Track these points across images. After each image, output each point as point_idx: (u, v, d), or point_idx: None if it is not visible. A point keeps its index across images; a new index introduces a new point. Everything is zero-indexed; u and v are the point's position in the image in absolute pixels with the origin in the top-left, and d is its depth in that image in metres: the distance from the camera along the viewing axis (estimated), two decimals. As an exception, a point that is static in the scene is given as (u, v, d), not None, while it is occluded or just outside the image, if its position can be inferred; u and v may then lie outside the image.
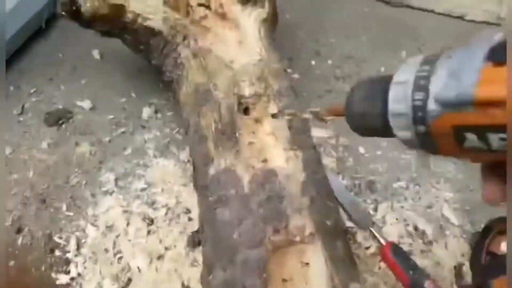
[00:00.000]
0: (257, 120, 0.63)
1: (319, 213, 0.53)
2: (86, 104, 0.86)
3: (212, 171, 0.56)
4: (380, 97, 0.30)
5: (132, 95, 0.89)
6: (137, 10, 0.65)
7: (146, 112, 0.85)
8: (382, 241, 0.69)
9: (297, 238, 0.51)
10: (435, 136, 0.26)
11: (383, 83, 0.30)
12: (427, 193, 0.78)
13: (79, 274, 0.64)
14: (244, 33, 0.66)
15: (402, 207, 0.76)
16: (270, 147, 0.61)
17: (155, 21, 0.66)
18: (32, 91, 0.89)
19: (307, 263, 0.53)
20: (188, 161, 0.78)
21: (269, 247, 0.49)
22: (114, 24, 0.67)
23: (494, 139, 0.23)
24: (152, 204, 0.72)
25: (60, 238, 0.68)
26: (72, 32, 1.01)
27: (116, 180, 0.75)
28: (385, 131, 0.30)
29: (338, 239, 0.54)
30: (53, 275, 0.63)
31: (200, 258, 0.65)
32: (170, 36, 0.66)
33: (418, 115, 0.26)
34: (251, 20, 0.67)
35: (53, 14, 1.04)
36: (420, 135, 0.27)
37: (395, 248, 0.67)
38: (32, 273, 0.64)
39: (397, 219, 0.74)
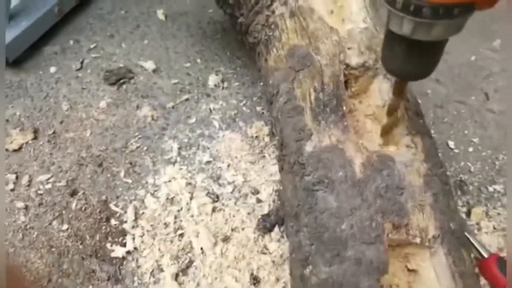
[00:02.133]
0: (356, 96, 0.54)
1: (443, 213, 0.44)
2: (149, 65, 0.79)
3: (309, 147, 0.48)
4: None
5: (198, 60, 0.81)
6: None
7: (212, 80, 0.78)
8: (484, 252, 0.58)
9: (417, 240, 0.42)
10: None
11: None
12: (530, 202, 0.67)
13: (135, 248, 0.57)
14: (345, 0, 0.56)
15: (499, 214, 0.66)
16: (372, 131, 0.52)
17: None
18: (92, 46, 0.83)
19: (414, 270, 0.45)
20: (257, 137, 0.70)
21: (386, 246, 0.41)
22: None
23: None
24: (217, 179, 0.65)
25: (117, 206, 0.61)
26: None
27: (180, 149, 0.68)
28: None
29: (463, 247, 0.45)
30: (108, 245, 0.57)
31: (271, 246, 0.57)
32: (266, -11, 0.57)
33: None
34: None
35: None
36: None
37: (501, 261, 0.57)
38: (86, 240, 0.58)
39: (494, 228, 0.64)
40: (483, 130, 0.77)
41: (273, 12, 0.57)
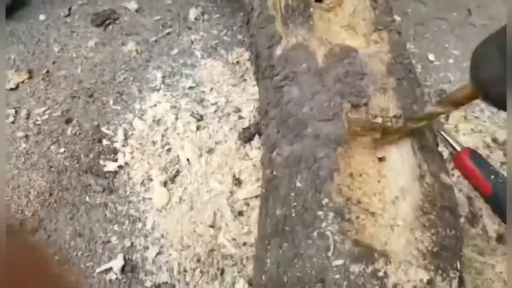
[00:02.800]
0: (331, 9, 0.56)
1: (406, 97, 0.46)
2: (132, 5, 0.82)
3: (278, 51, 0.50)
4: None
5: (179, -3, 0.84)
6: None
7: (193, 13, 0.80)
8: (457, 146, 0.60)
9: (378, 119, 0.45)
10: None
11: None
12: (508, 105, 0.68)
13: (126, 163, 0.62)
14: None
15: (477, 117, 0.67)
16: (346, 37, 0.54)
17: None
18: (78, -6, 0.85)
19: (383, 158, 0.48)
20: (237, 62, 0.73)
21: (345, 124, 0.43)
22: None
23: None
24: (201, 101, 0.68)
25: (108, 129, 0.66)
26: None
27: (163, 78, 0.71)
28: None
29: (426, 127, 0.47)
30: (101, 162, 0.62)
31: (251, 154, 0.61)
32: None
33: None
34: None
35: None
36: None
37: (473, 154, 0.59)
38: (81, 159, 0.63)
39: (472, 129, 0.66)
40: (464, 43, 0.77)
41: None
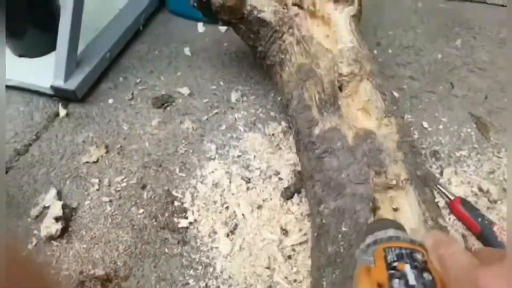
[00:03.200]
0: (349, 96, 0.76)
1: (411, 165, 0.65)
2: (185, 90, 1.02)
3: (316, 131, 0.69)
4: None
5: (221, 83, 1.05)
6: (254, 3, 0.81)
7: (234, 96, 1.01)
8: (451, 196, 0.78)
9: (394, 182, 0.62)
10: None
11: None
12: (489, 161, 0.87)
13: (195, 220, 0.78)
14: (336, 27, 0.79)
15: (465, 171, 0.85)
16: (362, 119, 0.73)
17: (267, 13, 0.81)
18: (138, 81, 1.07)
19: (397, 208, 0.65)
20: (273, 134, 0.92)
21: (372, 185, 0.61)
22: (235, 14, 0.82)
23: None
24: (247, 167, 0.86)
25: (177, 192, 0.83)
26: (163, 35, 1.20)
27: (217, 149, 0.90)
28: None
29: (426, 187, 0.65)
30: (174, 219, 0.78)
31: (293, 208, 0.78)
32: (278, 26, 0.81)
33: None
34: (342, 16, 0.80)
35: (147, 18, 1.23)
36: None
37: (464, 201, 0.77)
38: (158, 218, 0.79)
39: (461, 181, 0.83)
40: (450, 111, 0.98)
41: (284, 41, 0.80)
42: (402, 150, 0.67)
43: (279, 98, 0.94)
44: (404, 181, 0.64)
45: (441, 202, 0.79)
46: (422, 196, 0.63)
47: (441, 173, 0.85)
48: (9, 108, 1.02)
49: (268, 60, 0.85)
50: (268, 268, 0.71)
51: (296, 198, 0.80)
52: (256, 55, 0.89)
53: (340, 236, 0.56)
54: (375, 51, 1.11)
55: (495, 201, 0.80)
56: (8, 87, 1.05)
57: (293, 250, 0.73)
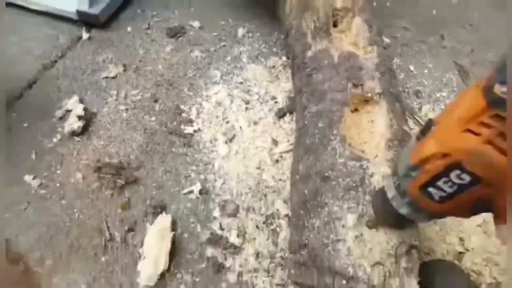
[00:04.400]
0: (342, 32, 0.85)
1: (386, 83, 0.75)
2: (196, 24, 1.12)
3: (309, 53, 0.80)
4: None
5: (229, 20, 1.15)
6: None
7: (241, 32, 1.10)
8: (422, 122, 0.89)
9: (369, 95, 0.73)
10: (417, 202, 0.39)
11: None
12: (464, 102, 0.97)
13: (199, 129, 0.90)
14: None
15: (442, 109, 0.95)
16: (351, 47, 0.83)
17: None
18: (154, 13, 1.17)
19: (373, 120, 0.76)
20: (273, 67, 1.03)
21: (349, 95, 0.72)
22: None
23: (443, 184, 0.34)
24: (248, 91, 0.97)
25: (185, 107, 0.94)
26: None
27: (221, 75, 1.01)
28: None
29: (397, 102, 0.75)
30: (182, 127, 0.90)
31: (284, 126, 0.90)
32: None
33: (400, 192, 0.42)
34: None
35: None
36: (411, 206, 0.41)
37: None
38: (168, 125, 0.91)
39: (437, 116, 0.94)
40: (436, 59, 1.07)
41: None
42: (379, 70, 0.77)
43: (281, 36, 1.04)
44: (377, 95, 0.75)
45: (415, 130, 0.90)
46: (391, 107, 0.74)
47: (420, 109, 0.96)
48: (37, 31, 1.13)
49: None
50: (258, 168, 0.83)
51: (288, 117, 0.91)
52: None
53: (316, 131, 0.68)
54: (374, 3, 1.19)
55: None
56: (37, 12, 1.15)
57: (281, 156, 0.85)
